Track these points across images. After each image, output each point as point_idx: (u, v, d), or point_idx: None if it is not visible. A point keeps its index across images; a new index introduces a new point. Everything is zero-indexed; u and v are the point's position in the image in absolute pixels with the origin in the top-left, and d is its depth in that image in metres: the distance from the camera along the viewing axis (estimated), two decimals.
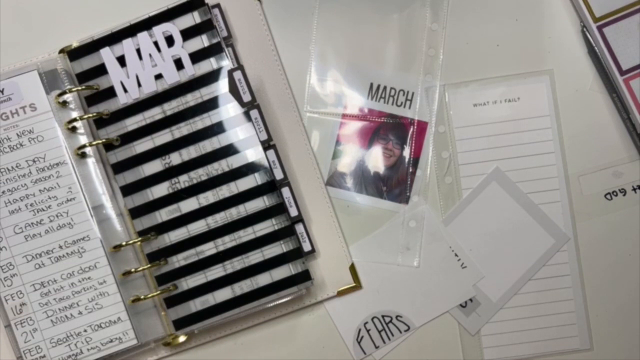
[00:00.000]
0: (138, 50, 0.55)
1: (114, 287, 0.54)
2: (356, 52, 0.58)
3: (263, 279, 0.54)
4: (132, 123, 0.55)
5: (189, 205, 0.55)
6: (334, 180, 0.58)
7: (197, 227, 0.55)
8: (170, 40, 0.55)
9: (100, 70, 0.55)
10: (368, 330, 0.57)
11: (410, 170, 0.58)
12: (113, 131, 0.55)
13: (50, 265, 0.54)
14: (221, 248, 0.55)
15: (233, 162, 0.55)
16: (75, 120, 0.54)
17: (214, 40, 0.55)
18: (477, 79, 0.58)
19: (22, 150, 0.55)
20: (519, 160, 0.57)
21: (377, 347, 0.57)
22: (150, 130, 0.55)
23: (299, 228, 0.55)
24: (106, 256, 0.54)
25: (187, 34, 0.55)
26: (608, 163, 0.57)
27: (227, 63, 0.55)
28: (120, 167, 0.55)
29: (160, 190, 0.55)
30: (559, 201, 0.57)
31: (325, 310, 0.57)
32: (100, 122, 0.55)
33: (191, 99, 0.55)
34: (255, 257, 0.54)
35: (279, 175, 0.54)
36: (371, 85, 0.58)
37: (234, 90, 0.54)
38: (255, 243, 0.54)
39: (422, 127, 0.58)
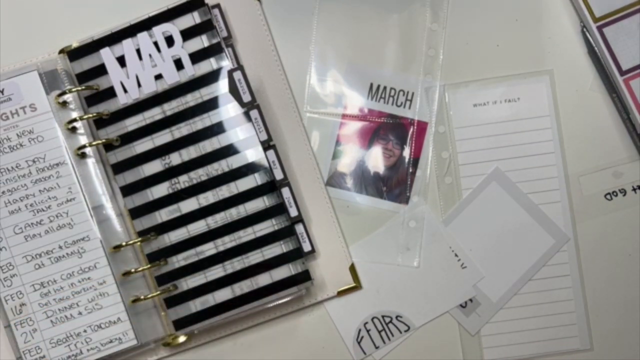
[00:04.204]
0: (138, 51, 0.55)
1: (114, 288, 0.54)
2: (356, 52, 0.58)
3: (263, 279, 0.54)
4: (132, 123, 0.55)
5: (189, 205, 0.55)
6: (334, 180, 0.58)
7: (197, 227, 0.55)
8: (170, 41, 0.55)
9: (100, 70, 0.55)
10: (368, 331, 0.57)
11: (410, 170, 0.58)
12: (113, 131, 0.55)
13: (50, 265, 0.54)
14: (221, 248, 0.55)
15: (233, 162, 0.55)
16: (75, 120, 0.54)
17: (214, 41, 0.55)
18: (477, 79, 0.58)
19: (22, 150, 0.55)
20: (519, 161, 0.57)
21: (377, 348, 0.57)
22: (150, 130, 0.55)
23: (299, 228, 0.55)
24: (106, 256, 0.54)
25: (187, 34, 0.55)
26: (608, 163, 0.57)
27: (227, 63, 0.55)
28: (120, 167, 0.55)
29: (160, 190, 0.55)
30: (559, 201, 0.57)
31: (325, 310, 0.57)
32: (100, 122, 0.55)
33: (191, 99, 0.55)
34: (255, 257, 0.54)
35: (279, 175, 0.54)
36: (371, 85, 0.58)
37: (234, 90, 0.54)
38: (255, 243, 0.54)
39: (422, 127, 0.58)
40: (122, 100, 0.55)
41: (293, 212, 0.54)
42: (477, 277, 0.57)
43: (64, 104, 0.55)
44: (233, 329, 0.56)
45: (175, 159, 0.55)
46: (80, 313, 0.54)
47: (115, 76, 0.55)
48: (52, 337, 0.54)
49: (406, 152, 0.58)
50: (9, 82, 0.55)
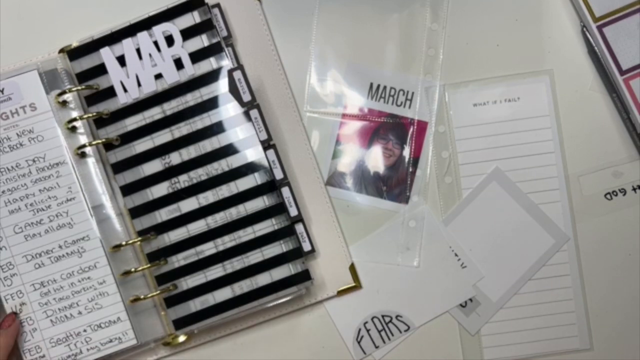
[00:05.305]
0: (138, 50, 0.55)
1: (114, 287, 0.54)
2: (356, 52, 0.58)
3: (263, 279, 0.54)
4: (132, 123, 0.55)
5: (188, 205, 0.55)
6: (334, 180, 0.58)
7: (197, 227, 0.55)
8: (170, 40, 0.55)
9: (100, 70, 0.55)
10: (368, 330, 0.57)
11: (410, 170, 0.58)
12: (113, 131, 0.55)
13: (50, 265, 0.54)
14: (221, 248, 0.55)
15: (233, 162, 0.55)
16: (75, 120, 0.54)
17: (214, 40, 0.55)
18: (477, 79, 0.58)
19: (22, 150, 0.55)
20: (518, 160, 0.57)
21: (377, 347, 0.57)
22: (150, 130, 0.55)
23: (299, 228, 0.55)
24: (106, 256, 0.54)
25: (187, 33, 0.55)
26: (608, 163, 0.57)
27: (227, 63, 0.55)
28: (120, 167, 0.55)
29: (160, 190, 0.55)
30: (559, 201, 0.57)
31: (325, 310, 0.57)
32: (100, 121, 0.55)
33: (191, 99, 0.55)
34: (255, 257, 0.54)
35: (278, 175, 0.54)
36: (371, 85, 0.58)
37: (233, 90, 0.54)
38: (255, 243, 0.54)
39: (422, 127, 0.58)
40: (122, 99, 0.55)
41: (293, 212, 0.54)
42: (477, 276, 0.57)
43: (64, 103, 0.55)
44: (233, 328, 0.56)
45: (175, 158, 0.55)
46: (80, 312, 0.54)
47: (115, 76, 0.55)
48: (52, 336, 0.54)
49: (406, 152, 0.58)
50: (9, 81, 0.55)
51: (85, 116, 0.55)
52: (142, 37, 0.55)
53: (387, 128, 0.58)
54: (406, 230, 0.57)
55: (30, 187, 0.54)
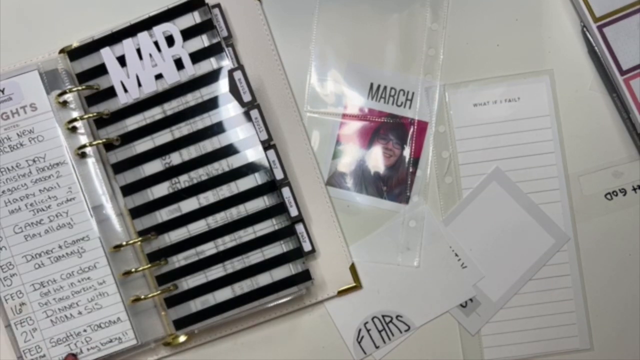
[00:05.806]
0: (138, 50, 0.55)
1: (114, 287, 0.54)
2: (356, 52, 0.58)
3: (263, 279, 0.54)
4: (133, 123, 0.55)
5: (189, 205, 0.55)
6: (334, 180, 0.58)
7: (198, 227, 0.55)
8: (170, 40, 0.55)
9: (101, 70, 0.55)
10: (368, 330, 0.57)
11: (411, 170, 0.58)
12: (113, 131, 0.55)
13: (50, 265, 0.54)
14: (221, 248, 0.55)
15: (233, 162, 0.55)
16: (75, 120, 0.54)
17: (214, 40, 0.55)
18: (477, 79, 0.58)
19: (22, 150, 0.55)
20: (519, 160, 0.57)
21: (377, 347, 0.57)
22: (150, 130, 0.55)
23: (299, 228, 0.55)
24: (106, 256, 0.54)
25: (187, 33, 0.55)
26: (608, 163, 0.57)
27: (227, 63, 0.55)
28: (120, 167, 0.55)
29: (161, 190, 0.55)
30: (559, 201, 0.57)
31: (326, 310, 0.57)
32: (101, 122, 0.55)
33: (191, 99, 0.55)
34: (255, 257, 0.54)
35: (279, 175, 0.54)
36: (371, 85, 0.58)
37: (234, 90, 0.54)
38: (255, 243, 0.54)
39: (422, 127, 0.58)
40: (123, 99, 0.55)
41: (293, 212, 0.54)
42: (477, 276, 0.57)
43: (65, 103, 0.55)
44: (233, 328, 0.56)
45: (175, 158, 0.55)
46: (80, 313, 0.54)
47: (115, 76, 0.55)
48: (52, 336, 0.54)
49: (406, 152, 0.58)
50: (10, 81, 0.55)
51: (86, 116, 0.55)
52: (143, 37, 0.55)
53: (387, 128, 0.58)
54: (406, 230, 0.57)
55: (30, 187, 0.54)
